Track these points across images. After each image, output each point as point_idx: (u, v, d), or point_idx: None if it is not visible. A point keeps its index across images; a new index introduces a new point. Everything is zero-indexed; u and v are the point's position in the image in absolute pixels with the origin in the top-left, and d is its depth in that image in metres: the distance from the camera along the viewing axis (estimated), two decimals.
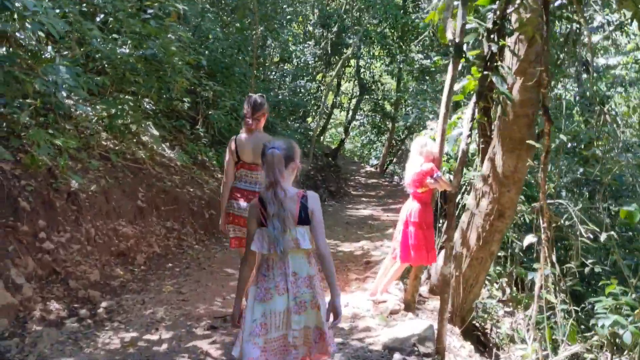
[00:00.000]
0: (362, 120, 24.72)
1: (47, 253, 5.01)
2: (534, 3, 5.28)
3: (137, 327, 4.58)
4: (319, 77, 19.52)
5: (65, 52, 7.10)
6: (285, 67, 16.76)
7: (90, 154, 6.79)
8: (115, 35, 7.37)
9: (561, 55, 8.41)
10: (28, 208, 5.00)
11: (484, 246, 6.81)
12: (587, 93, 11.84)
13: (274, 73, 16.17)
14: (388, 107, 22.39)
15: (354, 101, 22.56)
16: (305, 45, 17.45)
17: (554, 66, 8.18)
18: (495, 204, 6.56)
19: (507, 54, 5.85)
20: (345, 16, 17.46)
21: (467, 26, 5.09)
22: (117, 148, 7.60)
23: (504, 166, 6.27)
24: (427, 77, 19.45)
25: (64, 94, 5.10)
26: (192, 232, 7.70)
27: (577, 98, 12.94)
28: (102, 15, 7.51)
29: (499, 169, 6.36)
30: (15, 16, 4.84)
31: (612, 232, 6.34)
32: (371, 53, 18.88)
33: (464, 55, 5.08)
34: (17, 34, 5.55)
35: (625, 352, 5.37)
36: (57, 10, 5.80)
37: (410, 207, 5.22)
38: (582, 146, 11.00)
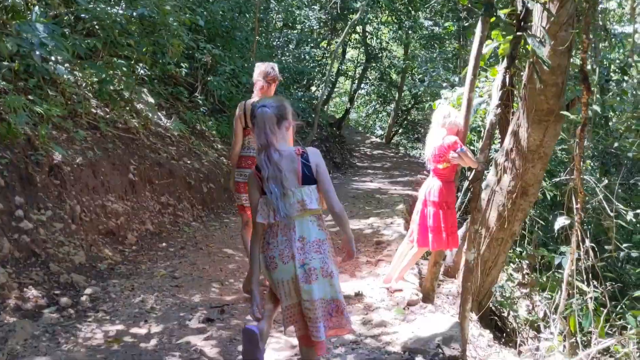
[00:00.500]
0: (367, 89, 23.95)
1: (25, 233, 4.48)
2: None
3: (123, 318, 4.08)
4: (323, 43, 18.73)
5: (52, 13, 6.49)
6: (288, 33, 15.97)
7: (77, 123, 6.22)
8: None
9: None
10: (2, 183, 4.46)
11: (505, 226, 6.29)
12: (605, 62, 11.18)
13: (277, 39, 15.41)
14: (394, 76, 21.62)
15: (359, 69, 21.78)
16: (310, 9, 16.63)
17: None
18: (518, 180, 6.02)
19: (535, 14, 5.22)
20: None
21: None
22: (107, 116, 7.02)
23: (529, 140, 5.71)
24: (436, 45, 18.70)
25: (40, 54, 4.47)
26: (189, 208, 7.18)
27: (594, 67, 12.20)
28: None
29: (523, 143, 5.80)
30: None
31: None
32: (379, 19, 18.02)
33: (494, 14, 4.46)
34: None
35: None
36: None
37: (430, 185, 4.66)
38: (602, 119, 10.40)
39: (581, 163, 4.94)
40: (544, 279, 6.43)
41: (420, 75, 12.00)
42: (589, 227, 6.80)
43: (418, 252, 4.73)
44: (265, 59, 11.64)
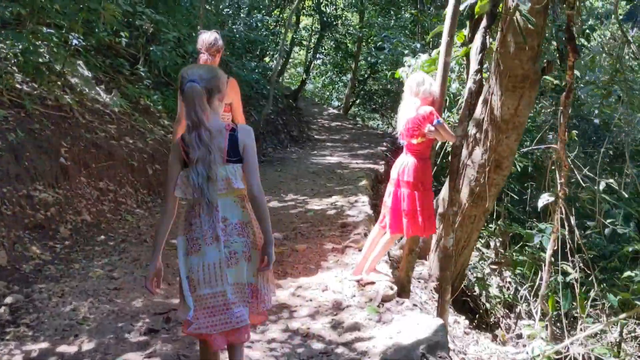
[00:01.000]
0: (323, 59, 23.21)
1: None
2: None
3: (49, 333, 3.43)
4: (275, 12, 17.86)
5: None
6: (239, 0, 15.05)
7: None
8: None
9: None
10: None
11: (478, 202, 5.88)
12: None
13: (227, 6, 14.48)
14: (350, 45, 20.95)
15: (314, 38, 21.01)
16: None
17: None
18: (491, 153, 5.58)
19: None
20: None
21: None
22: (35, 93, 6.19)
23: (503, 108, 5.27)
24: (392, 11, 18.11)
25: None
26: (133, 193, 6.46)
27: (555, 31, 11.87)
28: None
29: (496, 112, 5.35)
30: None
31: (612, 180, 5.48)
32: None
33: None
34: None
35: None
36: None
37: (404, 163, 4.13)
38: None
39: (565, 133, 4.50)
40: (517, 257, 6.06)
41: (380, 43, 11.37)
42: (575, 203, 6.46)
43: (390, 238, 4.22)
44: (213, 27, 10.83)
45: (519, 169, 7.04)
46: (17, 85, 6.07)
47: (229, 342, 2.53)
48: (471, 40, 6.29)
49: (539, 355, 4.20)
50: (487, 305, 6.50)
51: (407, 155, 4.16)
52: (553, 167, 6.52)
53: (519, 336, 5.40)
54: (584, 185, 5.42)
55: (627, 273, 4.69)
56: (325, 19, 18.87)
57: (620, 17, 6.34)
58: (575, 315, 5.33)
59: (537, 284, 6.23)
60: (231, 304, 2.43)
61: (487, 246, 6.58)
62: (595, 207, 4.91)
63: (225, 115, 4.27)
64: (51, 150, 5.48)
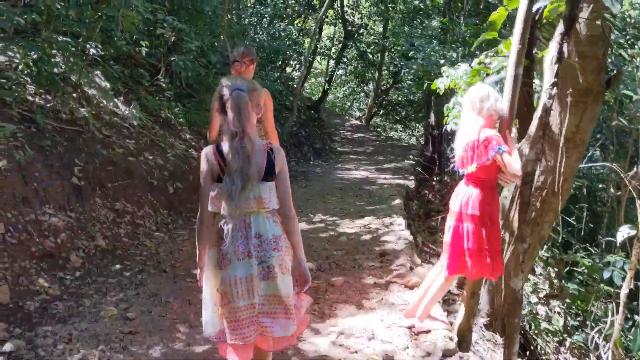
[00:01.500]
0: (344, 69, 22.68)
1: None
2: None
3: None
4: (297, 22, 17.42)
5: None
6: (261, 9, 14.61)
7: (4, 115, 4.97)
8: None
9: None
10: None
11: (534, 229, 5.25)
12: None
13: (250, 16, 14.06)
14: (371, 56, 20.43)
15: (336, 48, 20.53)
16: None
17: None
18: (549, 174, 5.00)
19: None
20: None
21: None
22: (48, 105, 5.76)
23: (563, 125, 4.67)
24: (419, 19, 17.54)
25: None
26: (152, 214, 5.97)
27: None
28: None
29: (555, 129, 4.76)
30: None
31: None
32: None
33: None
34: None
35: None
36: None
37: (467, 194, 3.55)
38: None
39: None
40: (575, 289, 5.43)
41: (412, 53, 10.81)
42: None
43: (448, 280, 3.64)
44: (236, 36, 10.38)
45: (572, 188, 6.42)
46: (29, 97, 5.64)
47: (259, 351, 2.59)
48: None
49: None
50: (539, 340, 5.87)
51: (468, 186, 3.59)
52: (619, 192, 5.88)
53: None
54: None
55: None
56: (349, 28, 18.40)
57: None
58: None
59: (591, 314, 5.61)
60: (259, 314, 2.45)
61: (549, 281, 5.95)
62: None
63: (257, 126, 4.14)
64: (63, 169, 5.01)
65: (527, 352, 5.78)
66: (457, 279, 3.87)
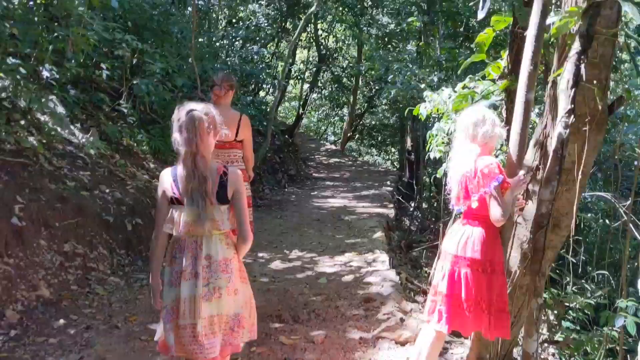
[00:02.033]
0: (319, 93, 22.30)
1: None
2: None
3: None
4: (270, 45, 16.98)
5: None
6: (232, 32, 14.13)
7: None
8: None
9: None
10: None
11: (531, 268, 4.81)
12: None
13: (222, 38, 13.57)
14: (346, 80, 20.13)
15: (310, 71, 20.15)
16: (257, 3, 14.89)
17: None
18: (548, 208, 4.53)
19: None
20: None
21: None
22: None
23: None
24: (394, 44, 17.28)
25: None
26: (107, 255, 5.30)
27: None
28: None
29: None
30: None
31: None
32: (333, 15, 16.40)
33: None
34: None
35: None
36: None
37: (464, 234, 3.05)
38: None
39: None
40: (577, 335, 4.94)
41: (391, 76, 10.42)
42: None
43: (439, 337, 3.11)
44: (206, 59, 9.84)
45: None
46: None
47: None
48: (513, 71, 5.34)
49: None
50: None
51: (465, 225, 3.09)
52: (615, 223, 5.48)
53: None
54: None
55: None
56: (323, 51, 18.06)
57: None
58: None
59: None
60: (202, 335, 2.50)
61: (547, 325, 5.45)
62: None
63: (238, 152, 4.41)
64: (1, 208, 4.36)
65: None
66: (446, 336, 3.32)
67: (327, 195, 11.89)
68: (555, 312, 5.33)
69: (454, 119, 6.89)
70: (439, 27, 12.66)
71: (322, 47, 18.07)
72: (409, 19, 12.92)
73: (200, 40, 10.93)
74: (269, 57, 15.97)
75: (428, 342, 3.13)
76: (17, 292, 4.14)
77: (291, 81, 20.33)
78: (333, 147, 21.81)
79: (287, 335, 3.94)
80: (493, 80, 6.12)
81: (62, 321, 4.06)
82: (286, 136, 16.96)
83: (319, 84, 20.97)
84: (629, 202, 5.46)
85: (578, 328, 5.35)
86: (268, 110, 13.65)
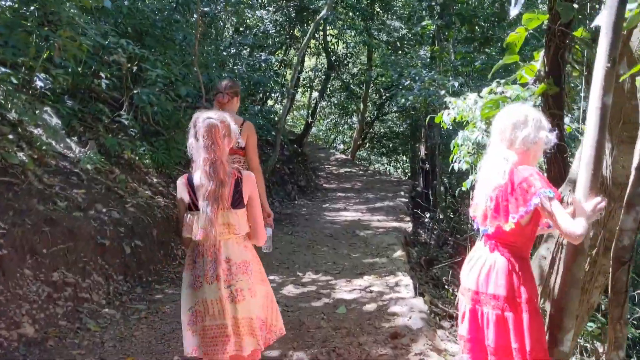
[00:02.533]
0: (328, 101, 21.81)
1: None
2: None
3: None
4: (277, 53, 16.51)
5: None
6: (239, 39, 13.68)
7: None
8: None
9: None
10: None
11: (582, 296, 4.23)
12: None
13: (229, 47, 13.13)
14: (358, 88, 19.64)
15: (319, 79, 19.68)
16: (265, 9, 14.45)
17: None
18: (598, 229, 3.95)
19: None
20: None
21: None
22: None
23: (614, 167, 3.67)
24: (407, 49, 16.77)
25: None
26: (102, 283, 4.78)
27: None
28: None
29: (604, 172, 3.76)
30: None
31: None
32: (343, 21, 15.91)
33: None
34: None
35: None
36: None
37: (487, 265, 2.50)
38: None
39: None
40: None
41: (407, 83, 9.89)
42: None
43: None
44: (212, 67, 9.37)
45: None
46: None
47: None
48: (550, 73, 4.80)
49: None
50: None
51: (494, 252, 2.52)
52: None
53: None
54: None
55: None
56: (332, 58, 17.59)
57: None
58: None
59: None
60: (230, 335, 2.56)
61: (590, 353, 4.88)
62: None
63: (241, 158, 4.25)
64: None
65: None
66: None
67: (339, 208, 11.35)
68: (605, 344, 4.74)
69: (480, 126, 6.37)
70: (454, 31, 12.14)
71: (331, 53, 17.59)
72: (424, 23, 12.38)
73: (207, 48, 10.47)
74: (277, 65, 15.51)
75: None
76: None
77: (299, 89, 19.86)
78: (343, 156, 21.28)
79: None
80: (522, 84, 5.60)
81: None
82: (295, 146, 16.46)
83: (328, 92, 20.50)
84: None
85: None
86: (277, 119, 13.17)
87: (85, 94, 7.50)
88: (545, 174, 4.80)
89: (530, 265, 2.59)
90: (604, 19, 2.29)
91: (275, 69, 14.96)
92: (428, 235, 12.09)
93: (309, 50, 17.68)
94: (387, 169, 23.94)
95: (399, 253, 6.77)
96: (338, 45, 17.93)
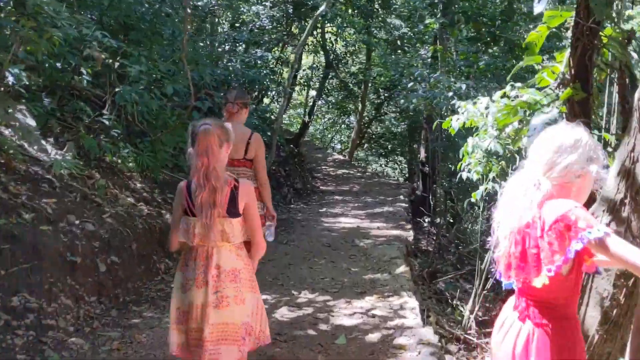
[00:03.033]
0: (325, 100, 21.28)
1: None
2: None
3: None
4: (274, 50, 15.98)
5: None
6: (235, 34, 13.14)
7: None
8: None
9: None
10: None
11: (614, 332, 3.70)
12: None
13: (224, 43, 12.58)
14: (356, 88, 19.14)
15: (316, 77, 19.15)
16: (261, 4, 13.90)
17: None
18: None
19: None
20: None
21: None
22: None
23: None
24: (407, 48, 16.25)
25: None
26: (70, 307, 4.22)
27: None
28: None
29: None
30: None
31: None
32: (343, 18, 15.37)
33: None
34: None
35: None
36: None
37: (523, 334, 1.93)
38: None
39: None
40: None
41: (411, 84, 9.36)
42: None
43: None
44: (204, 63, 8.81)
45: None
46: None
47: None
48: (576, 77, 4.28)
49: None
50: None
51: (521, 319, 1.96)
52: None
53: None
54: None
55: None
56: (331, 56, 17.05)
57: None
58: None
59: None
60: (206, 341, 2.56)
61: None
62: None
63: (247, 171, 4.21)
64: None
65: None
66: None
67: (337, 213, 10.83)
68: None
69: (491, 133, 5.85)
70: (458, 30, 11.60)
71: (329, 51, 17.05)
72: (426, 21, 11.84)
73: (200, 44, 9.93)
74: (273, 62, 14.97)
75: None
76: None
77: (297, 88, 19.35)
78: (340, 156, 20.76)
79: None
80: (540, 88, 5.08)
81: None
82: (291, 146, 15.92)
83: (326, 91, 19.98)
84: None
85: None
86: (273, 118, 12.64)
87: (65, 91, 6.94)
88: None
89: (579, 326, 2.05)
90: None
91: (271, 66, 14.43)
92: (428, 242, 11.60)
93: (306, 47, 17.14)
94: (385, 170, 23.46)
95: (402, 269, 6.24)
96: (337, 43, 17.40)
